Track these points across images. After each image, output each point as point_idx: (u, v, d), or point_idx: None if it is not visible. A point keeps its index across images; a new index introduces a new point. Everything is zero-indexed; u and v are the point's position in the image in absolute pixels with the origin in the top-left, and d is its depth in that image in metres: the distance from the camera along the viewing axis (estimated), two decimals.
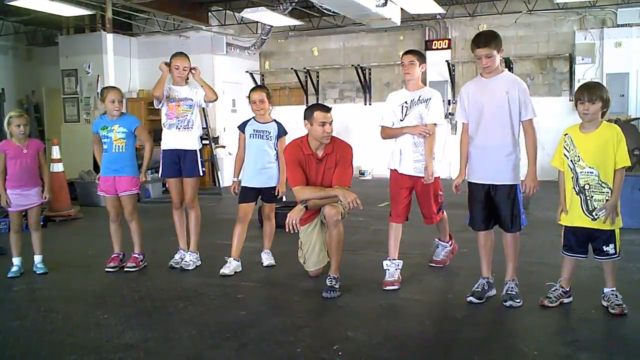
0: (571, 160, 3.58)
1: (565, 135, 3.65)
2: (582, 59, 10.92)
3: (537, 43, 11.42)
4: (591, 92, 3.50)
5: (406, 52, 4.62)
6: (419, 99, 4.50)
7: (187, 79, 5.19)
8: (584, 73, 10.96)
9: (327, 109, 4.39)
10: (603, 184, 3.50)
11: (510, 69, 11.29)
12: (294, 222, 4.22)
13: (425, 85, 4.77)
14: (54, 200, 7.89)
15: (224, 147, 11.98)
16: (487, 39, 3.92)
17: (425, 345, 3.25)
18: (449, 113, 11.90)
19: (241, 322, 3.69)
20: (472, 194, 3.99)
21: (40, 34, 13.17)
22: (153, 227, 6.77)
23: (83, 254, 5.82)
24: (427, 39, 12.03)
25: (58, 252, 5.73)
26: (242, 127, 5.06)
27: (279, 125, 5.03)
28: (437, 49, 11.87)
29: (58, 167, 8.07)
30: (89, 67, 11.74)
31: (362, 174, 12.28)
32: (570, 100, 11.14)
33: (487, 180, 3.88)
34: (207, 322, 3.69)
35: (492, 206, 3.90)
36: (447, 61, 11.67)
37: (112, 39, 10.42)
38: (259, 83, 13.53)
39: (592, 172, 3.51)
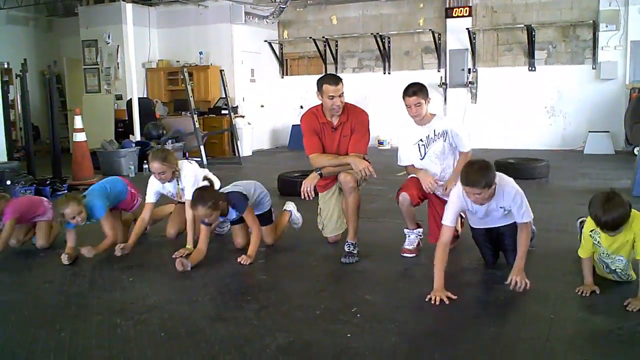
0: (599, 255, 3.48)
1: (591, 231, 3.41)
2: (606, 26, 10.69)
3: (560, 10, 11.19)
4: (616, 225, 3.17)
5: (408, 93, 4.19)
6: (434, 134, 4.27)
7: (175, 175, 4.66)
8: (608, 40, 10.76)
9: (336, 81, 4.29)
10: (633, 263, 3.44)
11: (532, 37, 11.13)
12: (308, 189, 4.27)
13: (433, 114, 4.38)
14: (77, 169, 8.06)
15: (243, 116, 12.03)
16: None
17: (442, 308, 3.30)
18: (469, 82, 11.80)
19: (261, 286, 3.78)
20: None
21: (60, 4, 13.23)
22: None
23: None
24: (447, 6, 11.82)
25: None
26: (205, 222, 4.34)
27: (235, 208, 4.37)
28: (458, 16, 11.67)
29: (80, 137, 8.19)
30: (108, 37, 11.82)
31: (380, 143, 12.27)
32: (593, 69, 10.97)
33: None
34: (228, 285, 3.80)
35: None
36: (467, 29, 11.49)
37: (131, 9, 10.44)
38: (277, 52, 13.48)
39: (622, 260, 3.41)
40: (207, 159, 9.55)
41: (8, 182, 5.77)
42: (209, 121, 11.68)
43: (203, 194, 4.17)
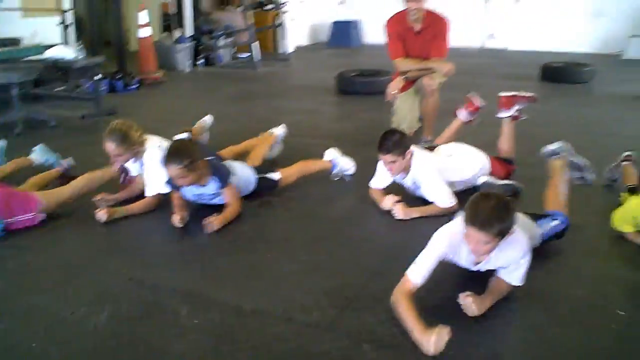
0: None
1: (633, 218, 3.15)
2: None
3: None
4: None
5: (382, 150, 3.40)
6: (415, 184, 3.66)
7: (140, 155, 3.61)
8: None
9: None
10: None
11: None
12: (395, 92, 4.82)
13: None
14: (144, 63, 8.43)
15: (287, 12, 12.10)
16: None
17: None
18: None
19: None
20: None
21: None
22: (235, 91, 7.27)
23: (180, 113, 6.45)
24: None
25: (160, 111, 6.37)
26: (174, 186, 3.41)
27: (218, 178, 3.41)
28: None
29: (145, 32, 8.47)
30: None
31: None
32: None
33: None
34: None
35: None
36: None
37: None
38: None
39: None
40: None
41: (97, 77, 6.17)
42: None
43: (179, 149, 3.23)
